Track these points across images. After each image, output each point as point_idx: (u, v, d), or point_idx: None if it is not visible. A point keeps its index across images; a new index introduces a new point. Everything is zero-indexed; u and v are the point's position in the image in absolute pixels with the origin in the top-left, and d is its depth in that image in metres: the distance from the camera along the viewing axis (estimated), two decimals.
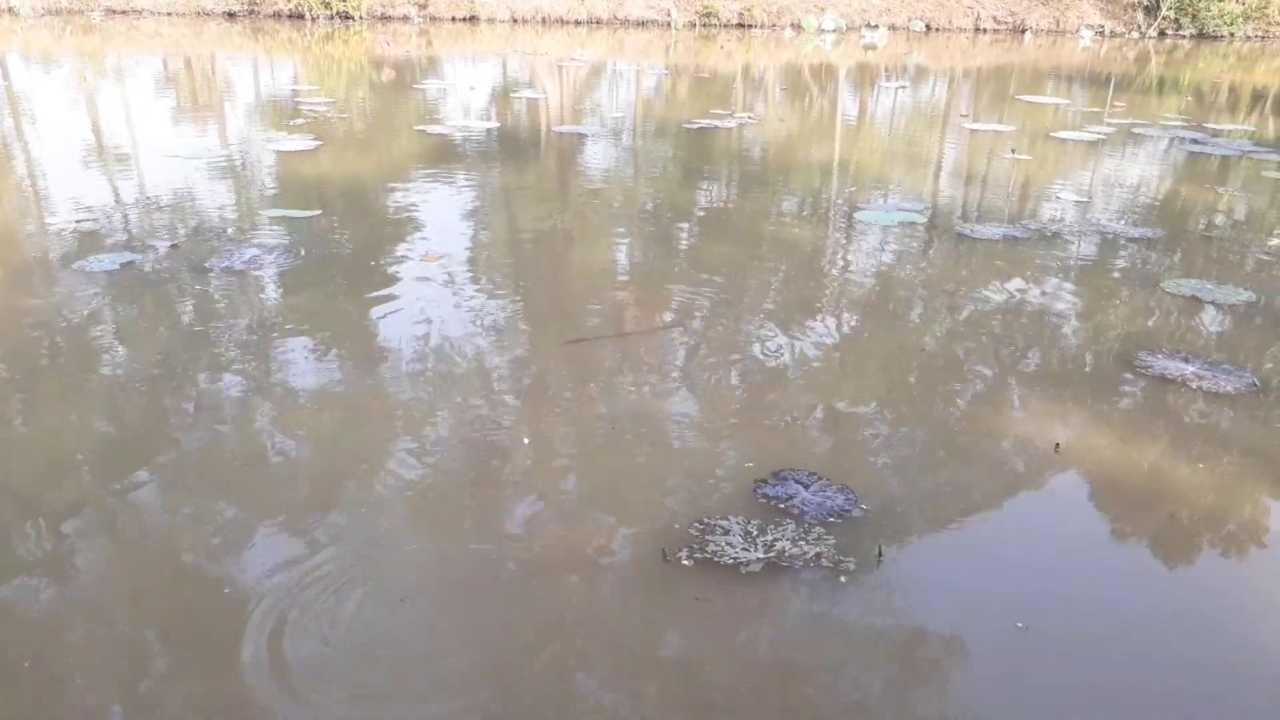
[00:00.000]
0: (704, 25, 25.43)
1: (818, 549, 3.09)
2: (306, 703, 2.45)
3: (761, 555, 3.05)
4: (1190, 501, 3.50)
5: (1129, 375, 4.52)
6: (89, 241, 6.00)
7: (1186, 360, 4.66)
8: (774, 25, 26.06)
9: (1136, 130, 11.96)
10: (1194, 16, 27.75)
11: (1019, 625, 2.82)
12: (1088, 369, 4.66)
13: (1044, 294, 5.65)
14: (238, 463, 3.54)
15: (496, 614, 2.79)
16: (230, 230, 6.38)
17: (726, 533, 3.15)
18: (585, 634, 2.73)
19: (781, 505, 3.32)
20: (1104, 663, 2.69)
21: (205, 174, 8.02)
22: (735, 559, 3.02)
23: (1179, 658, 2.75)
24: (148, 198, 7.17)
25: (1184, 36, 27.90)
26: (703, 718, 2.46)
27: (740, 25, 25.84)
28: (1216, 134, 11.98)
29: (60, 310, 4.94)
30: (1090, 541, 3.30)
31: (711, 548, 3.08)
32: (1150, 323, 5.26)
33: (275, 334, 4.69)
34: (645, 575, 2.97)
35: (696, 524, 3.20)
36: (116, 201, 7.09)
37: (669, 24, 24.99)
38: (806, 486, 3.45)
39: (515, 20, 24.44)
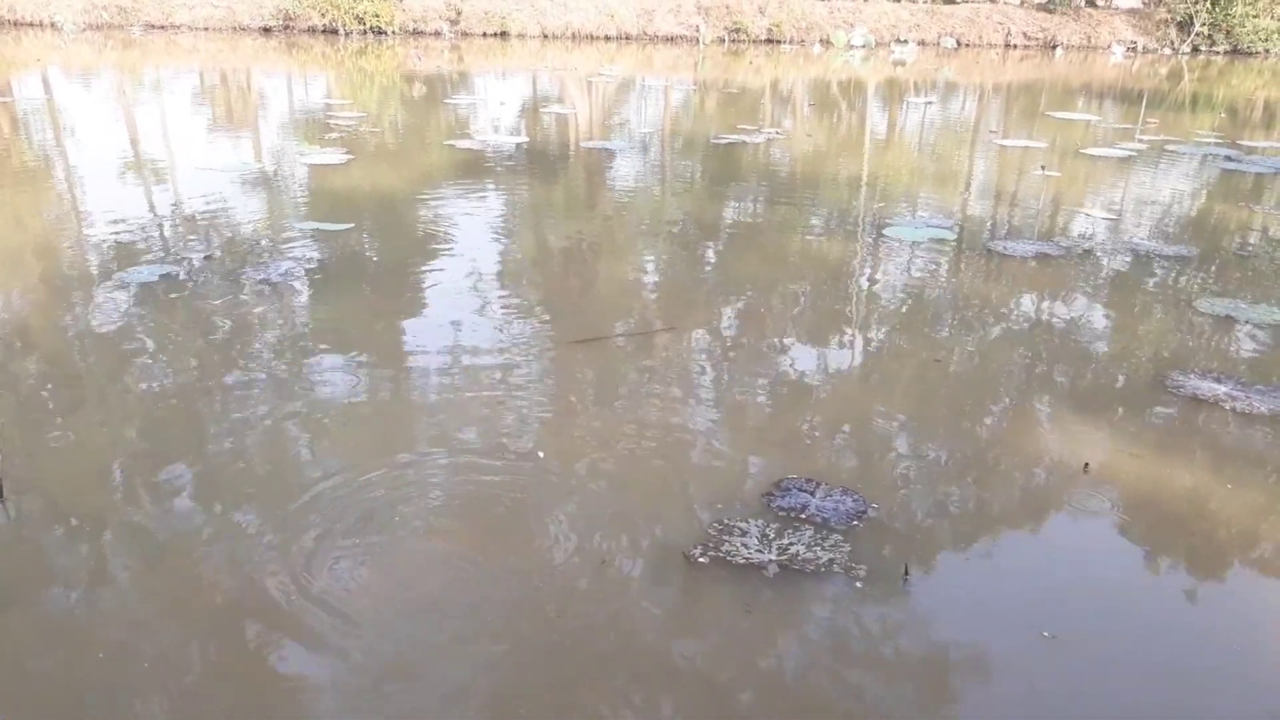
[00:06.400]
0: (732, 41, 25.50)
1: (832, 555, 3.12)
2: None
3: (774, 557, 3.09)
4: (1219, 521, 3.46)
5: (1160, 395, 4.48)
6: (127, 253, 6.12)
7: (1219, 380, 4.61)
8: (803, 41, 26.08)
9: (1169, 147, 11.86)
10: (1228, 33, 27.46)
11: (1045, 634, 2.81)
12: (1119, 388, 4.62)
13: (1075, 312, 5.61)
14: (271, 466, 3.59)
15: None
16: (264, 243, 6.48)
17: (744, 534, 3.18)
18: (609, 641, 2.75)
19: (802, 515, 3.33)
20: (1130, 675, 2.67)
21: (240, 187, 8.15)
22: (749, 559, 3.06)
23: (1206, 673, 2.73)
24: (184, 211, 7.30)
25: (1218, 52, 27.62)
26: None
27: (769, 41, 25.89)
28: (1251, 151, 11.85)
29: (100, 321, 5.03)
30: (1118, 558, 3.27)
31: (726, 547, 3.12)
32: (1183, 342, 5.21)
33: (309, 344, 4.76)
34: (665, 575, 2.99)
35: (714, 525, 3.22)
36: (154, 214, 7.22)
37: (697, 39, 25.08)
38: (812, 494, 3.46)
39: (545, 36, 24.64)
